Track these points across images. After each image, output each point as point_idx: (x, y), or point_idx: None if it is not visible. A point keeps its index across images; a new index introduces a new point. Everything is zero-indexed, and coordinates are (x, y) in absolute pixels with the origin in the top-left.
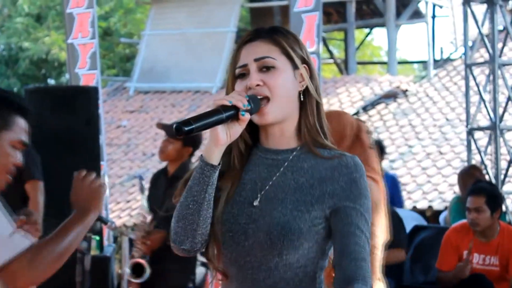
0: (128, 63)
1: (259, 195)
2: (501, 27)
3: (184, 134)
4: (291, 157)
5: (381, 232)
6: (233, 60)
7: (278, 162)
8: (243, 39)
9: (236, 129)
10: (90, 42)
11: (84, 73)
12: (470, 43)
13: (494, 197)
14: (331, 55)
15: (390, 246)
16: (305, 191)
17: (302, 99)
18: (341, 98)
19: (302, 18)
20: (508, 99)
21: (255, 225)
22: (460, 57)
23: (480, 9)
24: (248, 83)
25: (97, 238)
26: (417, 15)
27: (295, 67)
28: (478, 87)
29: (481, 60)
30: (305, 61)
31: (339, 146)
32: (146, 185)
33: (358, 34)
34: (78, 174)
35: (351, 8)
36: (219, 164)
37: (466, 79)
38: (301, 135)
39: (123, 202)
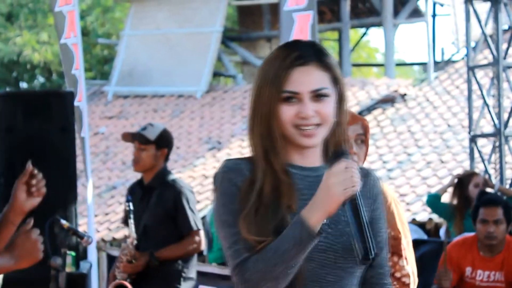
0: (106, 65)
1: None
2: (505, 27)
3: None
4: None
5: None
6: (277, 79)
7: (319, 179)
8: (292, 60)
9: None
10: (78, 42)
11: (78, 75)
12: (473, 44)
13: (509, 208)
14: None
15: None
16: None
17: (335, 118)
18: None
19: (293, 17)
20: None
21: (327, 242)
22: (462, 58)
23: (483, 8)
24: (302, 114)
25: (73, 254)
26: (416, 13)
27: (338, 91)
28: (481, 91)
29: (484, 62)
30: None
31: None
32: (122, 198)
33: (353, 34)
34: (25, 225)
35: (346, 6)
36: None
37: (469, 82)
38: (328, 153)
39: (101, 215)
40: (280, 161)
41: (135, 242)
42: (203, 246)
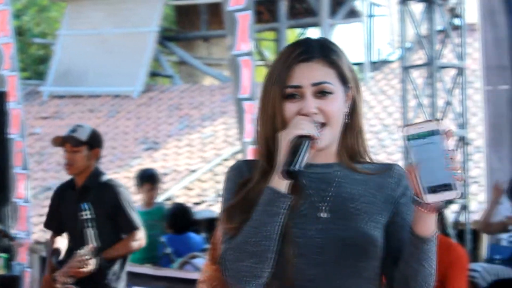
0: (42, 65)
1: (323, 208)
2: (440, 28)
3: (296, 176)
4: (339, 170)
5: None
6: (281, 76)
7: (330, 175)
8: (295, 57)
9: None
10: (11, 41)
11: (8, 75)
12: (408, 45)
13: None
14: (262, 57)
15: None
16: (369, 200)
17: (347, 120)
18: None
19: (236, 17)
20: (447, 103)
21: (326, 237)
22: (398, 59)
23: (418, 9)
24: (304, 110)
25: (5, 256)
26: (353, 14)
27: (346, 89)
28: (416, 91)
29: (419, 62)
30: (353, 80)
31: None
32: (46, 202)
33: (291, 35)
34: None
35: (283, 7)
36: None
37: (403, 82)
38: (340, 153)
39: (35, 217)
40: None
41: (94, 250)
42: (145, 242)
